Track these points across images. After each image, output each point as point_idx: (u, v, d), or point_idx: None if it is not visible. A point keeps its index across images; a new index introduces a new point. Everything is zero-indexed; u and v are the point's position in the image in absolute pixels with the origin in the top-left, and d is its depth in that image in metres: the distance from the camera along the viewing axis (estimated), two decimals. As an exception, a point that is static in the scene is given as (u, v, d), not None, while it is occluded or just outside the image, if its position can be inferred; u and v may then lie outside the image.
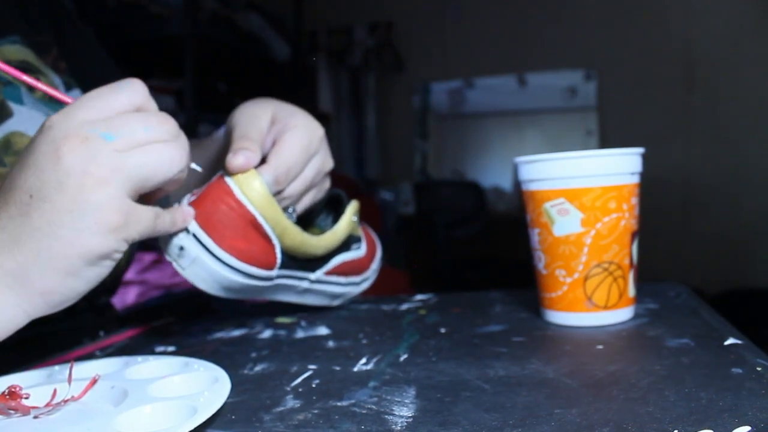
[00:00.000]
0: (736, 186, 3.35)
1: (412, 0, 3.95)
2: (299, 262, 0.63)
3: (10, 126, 0.63)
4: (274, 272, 0.60)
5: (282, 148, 0.59)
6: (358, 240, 0.71)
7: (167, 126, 0.48)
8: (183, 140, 0.49)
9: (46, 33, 0.75)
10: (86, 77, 0.78)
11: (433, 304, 0.73)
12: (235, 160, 0.56)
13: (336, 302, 0.73)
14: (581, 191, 0.57)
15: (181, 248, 0.55)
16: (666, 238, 3.30)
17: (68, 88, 0.74)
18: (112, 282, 0.80)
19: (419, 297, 0.77)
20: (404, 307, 0.72)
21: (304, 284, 0.66)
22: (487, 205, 3.58)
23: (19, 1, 0.74)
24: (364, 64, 3.92)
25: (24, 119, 0.64)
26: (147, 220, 0.48)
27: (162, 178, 0.47)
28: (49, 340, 0.65)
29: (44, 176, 0.44)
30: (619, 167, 0.57)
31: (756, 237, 3.31)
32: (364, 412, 0.41)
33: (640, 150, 0.59)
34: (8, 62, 0.65)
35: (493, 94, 3.97)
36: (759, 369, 0.43)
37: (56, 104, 0.69)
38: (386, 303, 0.75)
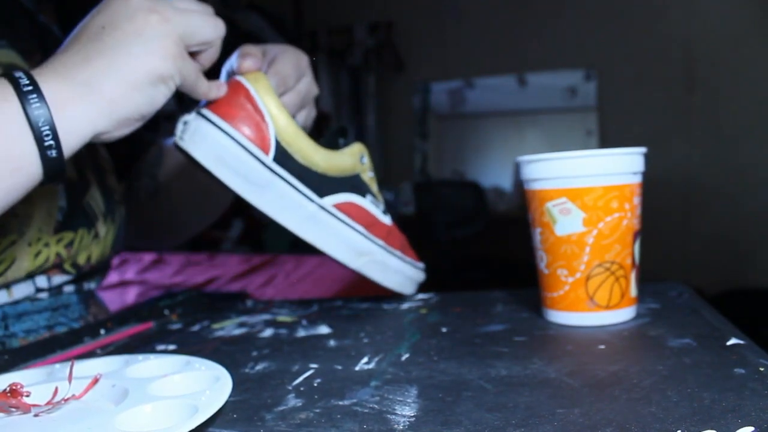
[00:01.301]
0: (736, 186, 3.35)
1: (412, 0, 3.95)
2: (302, 173, 0.64)
3: None
4: (270, 156, 0.62)
5: (278, 64, 0.68)
6: (378, 202, 0.71)
7: (213, 15, 0.59)
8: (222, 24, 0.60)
9: (31, 41, 0.76)
10: None
11: (434, 303, 0.73)
12: (245, 62, 0.65)
13: (360, 261, 0.67)
14: (583, 191, 0.56)
15: (185, 122, 0.62)
16: (666, 238, 3.30)
17: None
18: (102, 265, 0.80)
19: (420, 296, 0.77)
20: (405, 306, 0.72)
21: (311, 207, 0.64)
22: (487, 205, 3.58)
23: (6, 15, 0.75)
24: (364, 64, 3.92)
25: None
26: (194, 69, 0.57)
27: (206, 37, 0.57)
28: (50, 338, 0.65)
29: (116, 10, 0.53)
30: (621, 167, 0.57)
31: (756, 237, 3.31)
32: (366, 411, 0.41)
33: (643, 150, 0.59)
34: None
35: (493, 94, 3.98)
36: (762, 369, 0.43)
37: None
38: (387, 302, 0.75)
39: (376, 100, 3.98)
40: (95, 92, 0.51)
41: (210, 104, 0.62)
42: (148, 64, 0.52)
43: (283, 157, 0.63)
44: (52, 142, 0.49)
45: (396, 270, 0.71)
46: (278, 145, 0.63)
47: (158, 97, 0.55)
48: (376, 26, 3.92)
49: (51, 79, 0.50)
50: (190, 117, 0.62)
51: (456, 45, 3.86)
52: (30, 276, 0.69)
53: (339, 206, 0.66)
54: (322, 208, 0.65)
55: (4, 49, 0.72)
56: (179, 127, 0.61)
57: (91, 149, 0.79)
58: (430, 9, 3.89)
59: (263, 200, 0.62)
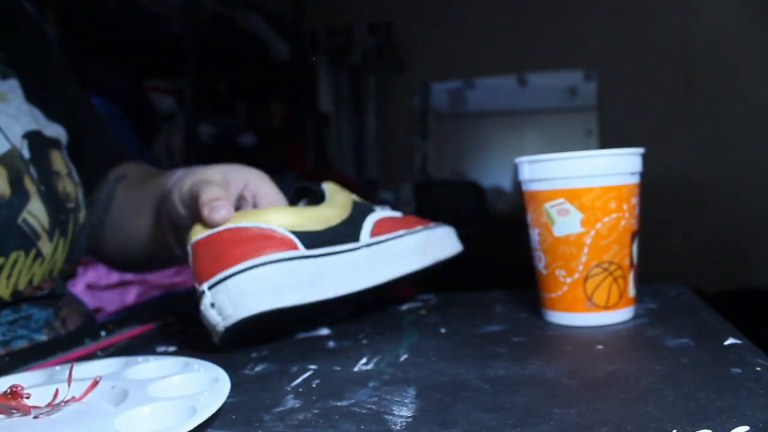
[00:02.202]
0: (736, 186, 3.35)
1: (412, 0, 3.94)
2: (332, 236, 0.60)
3: None
4: (300, 248, 0.57)
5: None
6: (372, 209, 0.67)
7: None
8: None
9: (20, 61, 0.73)
10: (25, 65, 0.75)
11: (434, 304, 0.73)
12: (216, 215, 0.57)
13: (428, 253, 0.67)
14: (581, 191, 0.57)
15: (211, 304, 0.55)
16: (666, 238, 3.29)
17: (3, 76, 0.71)
18: (54, 281, 0.73)
19: (419, 297, 0.77)
20: (404, 307, 0.73)
21: (360, 252, 0.61)
22: (487, 205, 3.58)
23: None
24: (364, 64, 3.91)
25: None
26: None
27: None
28: (50, 340, 0.65)
29: None
30: (619, 167, 0.57)
31: (756, 237, 3.31)
32: (364, 412, 0.41)
33: (640, 150, 0.59)
34: None
35: (493, 94, 3.97)
36: (758, 369, 0.43)
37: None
38: (386, 303, 0.75)
39: (376, 100, 3.97)
40: None
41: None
42: None
43: (306, 239, 0.58)
44: None
45: (443, 236, 0.71)
46: (295, 234, 0.58)
47: None
48: (376, 26, 3.91)
49: None
50: (207, 294, 0.55)
51: (456, 45, 3.86)
52: (73, 336, 0.64)
53: (373, 233, 0.64)
54: (367, 245, 0.62)
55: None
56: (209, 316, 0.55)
57: (41, 154, 0.71)
58: (430, 9, 3.89)
59: (327, 286, 0.58)
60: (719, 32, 3.37)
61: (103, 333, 0.69)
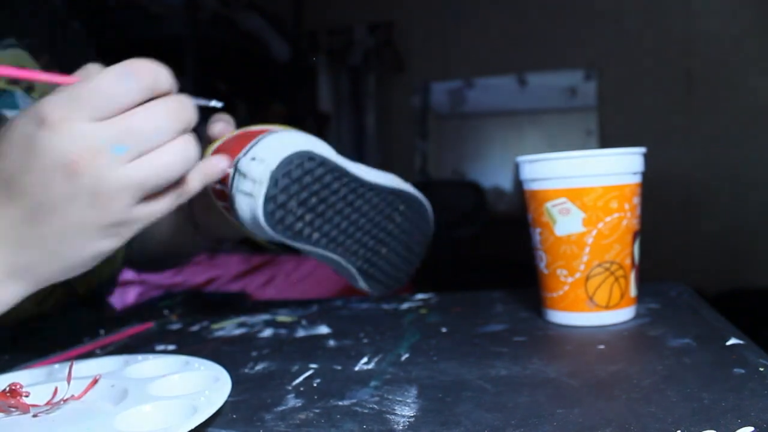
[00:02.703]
0: (736, 186, 3.35)
1: (412, 0, 3.94)
2: None
3: None
4: None
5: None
6: None
7: (178, 118, 0.46)
8: (193, 117, 0.49)
9: (37, 37, 0.74)
10: None
11: (434, 303, 0.73)
12: (216, 126, 0.66)
13: (407, 186, 0.73)
14: (583, 191, 0.56)
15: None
16: (666, 238, 3.29)
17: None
18: (109, 282, 0.79)
19: (420, 296, 0.77)
20: (405, 306, 0.72)
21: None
22: (487, 205, 3.58)
23: (10, 3, 0.74)
24: (364, 64, 3.91)
25: None
26: (161, 211, 0.48)
27: (174, 177, 0.47)
28: (49, 338, 0.65)
29: (53, 191, 0.43)
30: (620, 167, 0.57)
31: (756, 237, 3.31)
32: (366, 411, 0.41)
33: (642, 150, 0.59)
34: None
35: (493, 94, 3.97)
36: (761, 369, 0.43)
37: None
38: (387, 302, 0.75)
39: (376, 100, 3.97)
40: (34, 277, 0.47)
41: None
42: (91, 250, 0.46)
43: None
44: None
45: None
46: None
47: (102, 258, 0.49)
48: (376, 26, 3.91)
49: None
50: (248, 154, 0.60)
51: (456, 45, 3.86)
52: (72, 334, 0.68)
53: None
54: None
55: (12, 48, 0.71)
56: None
57: None
58: (430, 9, 3.88)
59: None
60: (719, 32, 3.37)
61: (102, 331, 0.68)
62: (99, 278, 0.75)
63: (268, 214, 0.57)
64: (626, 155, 0.57)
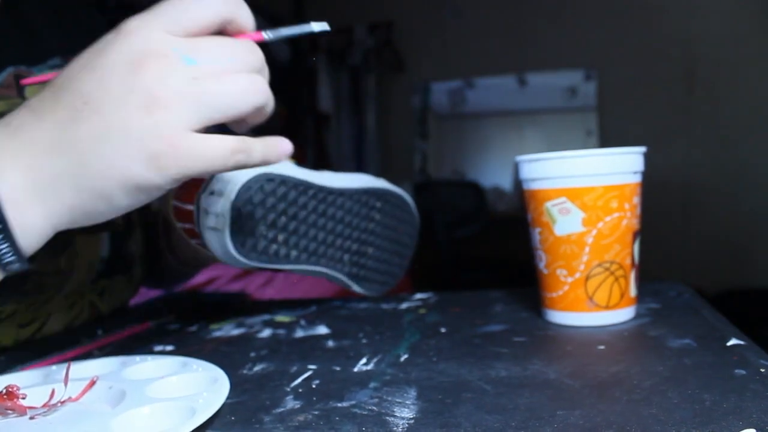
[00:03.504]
0: (736, 186, 3.35)
1: (412, 0, 3.94)
2: None
3: None
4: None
5: None
6: None
7: (254, 57, 0.44)
8: (266, 73, 0.46)
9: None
10: None
11: (434, 303, 0.73)
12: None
13: (380, 183, 0.73)
14: (583, 190, 0.56)
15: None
16: (666, 238, 3.29)
17: None
18: (129, 294, 0.80)
19: (419, 296, 0.77)
20: (404, 306, 0.72)
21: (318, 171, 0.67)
22: (487, 205, 3.58)
23: (57, 18, 0.74)
24: (364, 64, 3.91)
25: None
26: (218, 156, 0.43)
27: (236, 113, 0.43)
28: (46, 339, 0.65)
29: (108, 86, 0.40)
30: (620, 166, 0.57)
31: (756, 237, 3.31)
32: (365, 413, 0.40)
33: (642, 149, 0.59)
34: None
35: (493, 94, 3.97)
36: (762, 370, 0.43)
37: None
38: (386, 302, 0.75)
39: (376, 100, 3.97)
40: (57, 198, 0.41)
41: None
42: (122, 171, 0.41)
43: None
44: (9, 252, 0.40)
45: None
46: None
47: (135, 204, 0.43)
48: (376, 26, 3.91)
49: (10, 172, 0.40)
50: (207, 189, 0.59)
51: (456, 45, 3.86)
52: (70, 335, 0.67)
53: None
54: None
55: (58, 69, 0.71)
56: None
57: None
58: (430, 9, 3.89)
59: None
60: (719, 32, 3.37)
61: (99, 331, 0.68)
62: (122, 300, 0.76)
63: (239, 245, 0.57)
64: (626, 155, 0.57)
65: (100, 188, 0.41)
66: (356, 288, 0.70)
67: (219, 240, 0.57)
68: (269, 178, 0.58)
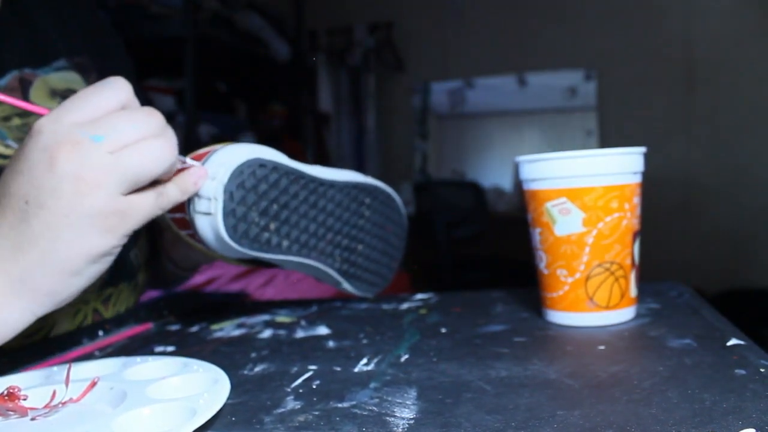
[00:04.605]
0: (736, 186, 3.35)
1: (412, 0, 3.94)
2: None
3: None
4: None
5: None
6: None
7: (154, 121, 0.49)
8: (170, 133, 0.50)
9: (85, 55, 0.75)
10: None
11: (434, 303, 0.73)
12: None
13: (369, 180, 0.73)
14: (583, 191, 0.56)
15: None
16: (666, 238, 3.29)
17: None
18: (134, 299, 0.80)
19: (420, 296, 0.77)
20: (405, 306, 0.72)
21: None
22: (487, 205, 3.58)
23: (60, 20, 0.74)
24: (364, 64, 3.91)
25: None
26: (146, 208, 0.49)
27: (154, 173, 0.48)
28: (48, 339, 0.65)
29: (39, 183, 0.45)
30: (621, 167, 0.57)
31: (756, 237, 3.31)
32: (365, 413, 0.40)
33: (642, 149, 0.59)
34: (54, 91, 0.67)
35: (493, 94, 3.97)
36: (762, 370, 0.43)
37: None
38: (386, 302, 0.75)
39: (376, 100, 3.97)
40: (32, 289, 0.46)
41: None
42: (83, 247, 0.46)
43: None
44: None
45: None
46: None
47: (103, 267, 0.49)
48: (376, 26, 3.91)
49: None
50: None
51: (456, 45, 3.86)
52: (71, 336, 0.67)
53: None
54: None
55: (63, 71, 0.71)
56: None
57: None
58: (430, 9, 3.89)
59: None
60: (719, 32, 3.37)
61: (101, 332, 0.68)
62: (126, 306, 0.76)
63: (231, 229, 0.57)
64: (626, 155, 0.57)
65: (69, 268, 0.47)
66: (346, 286, 0.70)
67: (211, 225, 0.57)
68: (261, 164, 0.58)
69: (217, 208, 0.56)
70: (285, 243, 0.62)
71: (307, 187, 0.63)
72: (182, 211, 0.59)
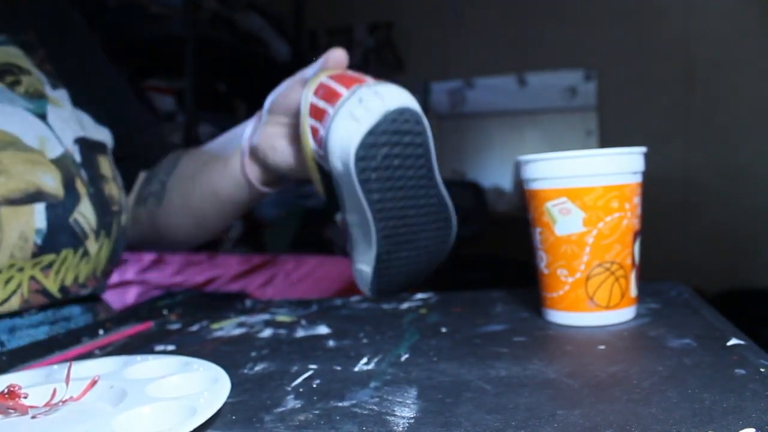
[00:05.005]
0: (736, 186, 3.35)
1: (412, 0, 3.94)
2: None
3: None
4: None
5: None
6: None
7: None
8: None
9: (31, 32, 0.75)
10: (75, 77, 0.79)
11: (434, 303, 0.73)
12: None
13: None
14: (583, 190, 0.56)
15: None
16: (666, 238, 3.29)
17: (54, 87, 0.74)
18: (97, 282, 0.77)
19: (420, 296, 0.77)
20: (405, 306, 0.72)
21: None
22: (487, 205, 3.58)
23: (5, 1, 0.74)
24: (364, 64, 3.91)
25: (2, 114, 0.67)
26: None
27: None
28: (48, 339, 0.65)
29: None
30: (621, 166, 0.57)
31: (756, 237, 3.30)
32: (366, 412, 0.40)
33: (642, 149, 0.59)
34: None
35: (493, 94, 3.97)
36: (762, 370, 0.43)
37: (38, 99, 0.70)
38: (386, 302, 0.75)
39: (376, 100, 3.97)
40: None
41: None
42: None
43: None
44: None
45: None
46: None
47: None
48: (376, 26, 3.91)
49: None
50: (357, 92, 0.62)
51: (456, 45, 3.86)
52: (3, 304, 0.66)
53: None
54: None
55: (3, 46, 0.71)
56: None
57: (90, 159, 0.75)
58: (430, 9, 3.89)
59: None
60: (719, 32, 3.37)
61: (101, 331, 0.68)
62: (77, 275, 0.72)
63: (362, 145, 0.59)
64: (626, 155, 0.57)
65: None
66: (366, 280, 0.71)
67: (350, 131, 0.59)
68: (418, 120, 0.61)
69: (369, 122, 0.59)
70: (376, 196, 0.63)
71: (423, 172, 0.66)
72: (322, 120, 0.60)
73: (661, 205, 3.20)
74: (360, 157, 0.59)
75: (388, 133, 0.59)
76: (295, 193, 2.77)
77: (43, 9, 0.79)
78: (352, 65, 0.73)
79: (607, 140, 3.59)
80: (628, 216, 0.58)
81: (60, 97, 0.75)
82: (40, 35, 0.76)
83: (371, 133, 0.57)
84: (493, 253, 3.42)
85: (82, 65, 0.83)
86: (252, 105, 2.95)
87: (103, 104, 0.83)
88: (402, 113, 0.59)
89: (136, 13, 2.31)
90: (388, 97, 0.59)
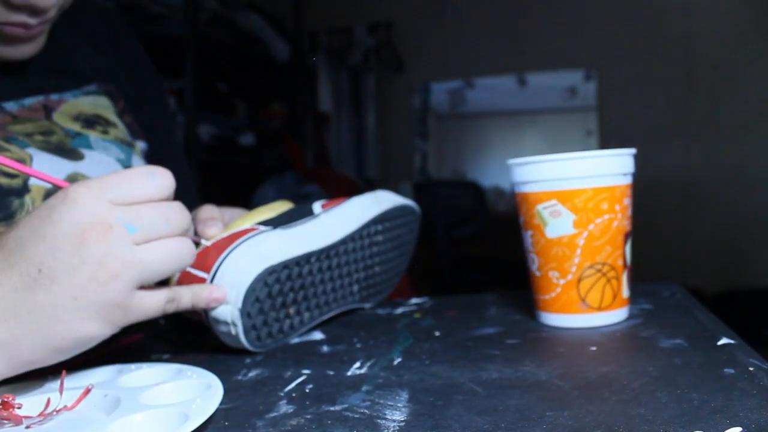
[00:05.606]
0: (736, 186, 3.34)
1: (412, 0, 3.94)
2: (289, 217, 0.65)
3: (78, 167, 0.65)
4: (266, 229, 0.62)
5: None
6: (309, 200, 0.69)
7: (183, 220, 0.49)
8: (191, 231, 0.52)
9: (115, 82, 0.76)
10: (151, 131, 0.80)
11: (429, 307, 0.73)
12: (209, 230, 0.61)
13: (384, 205, 0.71)
14: (573, 192, 0.57)
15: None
16: (666, 238, 3.29)
17: (134, 137, 0.75)
18: None
19: (414, 301, 0.77)
20: (399, 310, 0.72)
21: (320, 217, 0.65)
22: (487, 205, 3.58)
23: (93, 47, 0.75)
24: (364, 64, 3.91)
25: (94, 162, 0.67)
26: (152, 307, 0.49)
27: (169, 272, 0.48)
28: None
29: (60, 255, 0.43)
30: (610, 168, 0.57)
31: (756, 237, 3.30)
32: (357, 416, 0.41)
33: (632, 150, 0.59)
34: (79, 115, 0.68)
35: (493, 94, 3.97)
36: (751, 369, 0.43)
37: (126, 146, 0.71)
38: (381, 307, 0.75)
39: (376, 100, 3.97)
40: (14, 356, 0.44)
41: None
42: (81, 332, 0.44)
43: (271, 224, 0.63)
44: None
45: (389, 193, 0.74)
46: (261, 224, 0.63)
47: (85, 349, 0.47)
48: (376, 26, 3.91)
49: None
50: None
51: (456, 45, 3.86)
52: None
53: (323, 206, 0.68)
54: (325, 212, 0.66)
55: (93, 96, 0.72)
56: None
57: None
58: (430, 9, 3.89)
59: (298, 246, 0.61)
60: (719, 32, 3.36)
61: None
62: None
63: (254, 341, 0.58)
64: (615, 156, 0.58)
65: (56, 346, 0.44)
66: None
67: (233, 340, 0.58)
68: (270, 271, 0.57)
69: (238, 330, 0.56)
70: (306, 315, 0.63)
71: (319, 260, 0.62)
72: (197, 314, 0.59)
73: (660, 205, 3.21)
74: (264, 340, 0.58)
75: (262, 309, 0.57)
76: (295, 192, 2.77)
77: (126, 59, 0.79)
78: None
79: (607, 140, 3.60)
80: (618, 217, 0.58)
81: (141, 148, 0.77)
82: (121, 86, 0.76)
83: (248, 331, 0.56)
84: (492, 253, 3.42)
85: (159, 119, 0.83)
86: (252, 105, 2.96)
87: (166, 157, 0.82)
88: (253, 291, 0.56)
89: (136, 13, 2.31)
90: (233, 295, 0.56)
